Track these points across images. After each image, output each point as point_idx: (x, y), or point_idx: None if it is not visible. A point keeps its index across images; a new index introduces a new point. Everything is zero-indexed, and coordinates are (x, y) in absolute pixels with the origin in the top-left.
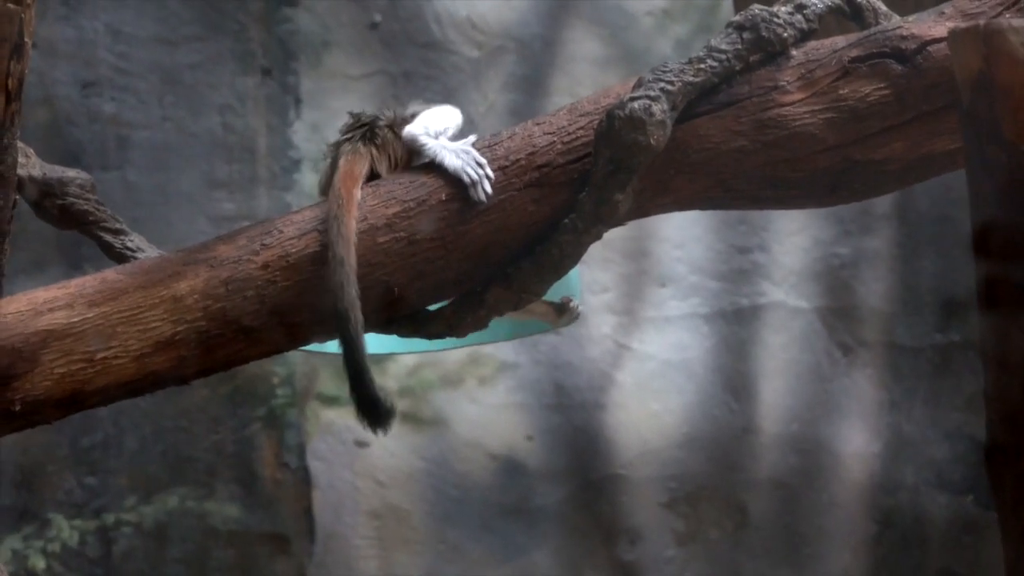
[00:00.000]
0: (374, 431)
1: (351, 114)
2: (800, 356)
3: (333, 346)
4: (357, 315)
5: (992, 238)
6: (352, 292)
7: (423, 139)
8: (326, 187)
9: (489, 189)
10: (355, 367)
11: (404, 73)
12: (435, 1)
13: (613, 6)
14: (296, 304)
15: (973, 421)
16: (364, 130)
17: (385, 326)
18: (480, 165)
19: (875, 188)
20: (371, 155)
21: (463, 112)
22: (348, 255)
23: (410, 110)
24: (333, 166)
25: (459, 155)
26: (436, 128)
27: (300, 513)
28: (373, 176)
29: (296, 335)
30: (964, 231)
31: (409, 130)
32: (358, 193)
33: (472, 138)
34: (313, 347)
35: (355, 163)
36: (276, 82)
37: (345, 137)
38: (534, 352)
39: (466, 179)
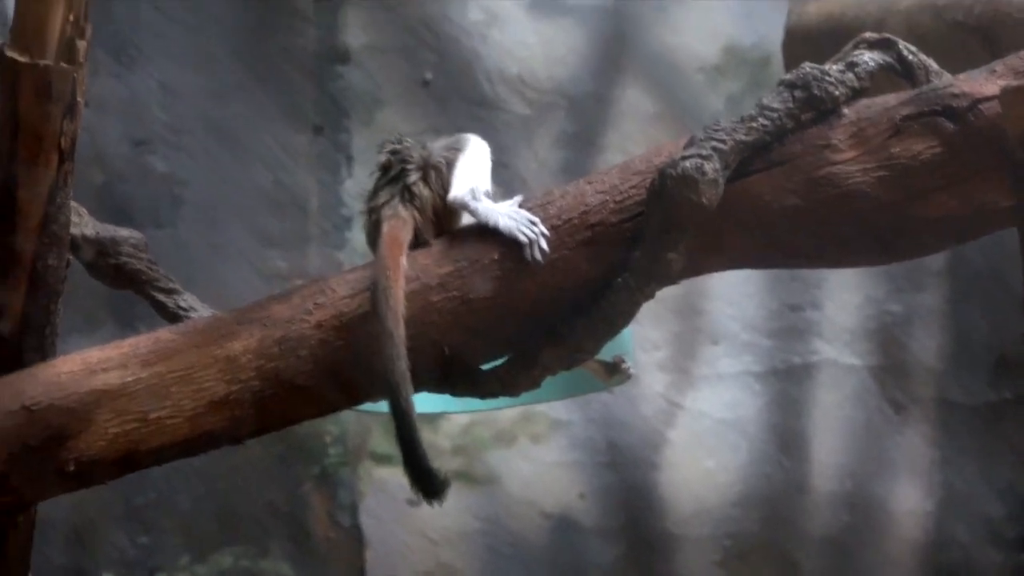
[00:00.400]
0: (428, 502)
1: (382, 155)
2: (852, 414)
3: (386, 405)
4: (408, 389)
5: None
6: (402, 366)
7: (473, 204)
8: (373, 241)
9: (546, 247)
10: (407, 440)
11: (455, 130)
12: (486, 58)
13: (665, 63)
14: (350, 363)
15: None
16: (400, 188)
17: (438, 385)
18: (533, 223)
19: (928, 246)
20: (413, 218)
21: (513, 169)
22: (397, 328)
23: (436, 152)
24: (376, 226)
25: (512, 216)
26: (481, 186)
27: (353, 572)
28: (417, 237)
29: (350, 394)
30: (1016, 288)
31: (456, 196)
32: (404, 261)
33: (519, 198)
34: (366, 406)
35: (399, 230)
36: (327, 139)
37: (383, 199)
38: (587, 410)
39: (523, 239)
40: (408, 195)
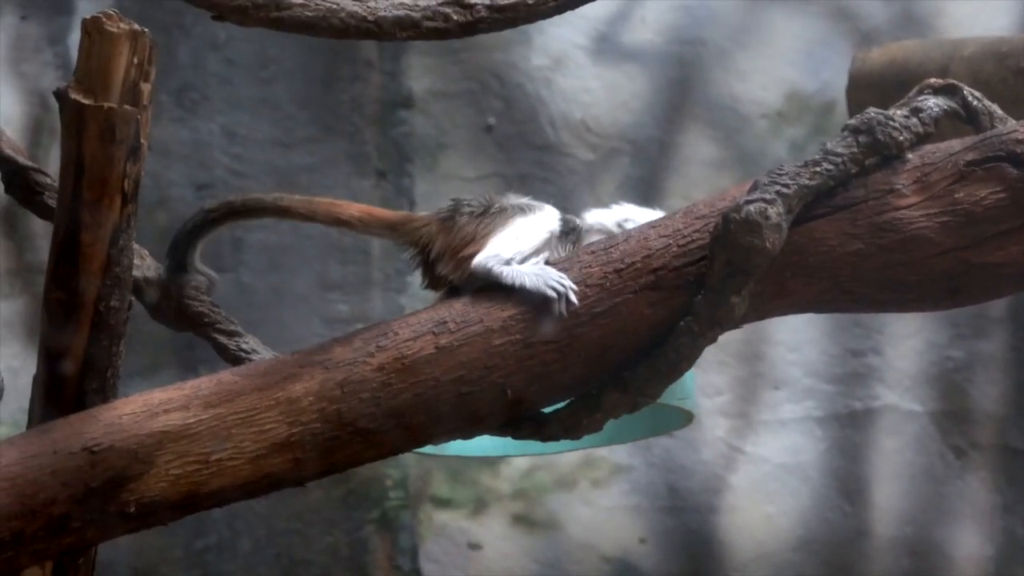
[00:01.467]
0: None
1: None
2: (914, 459)
3: (449, 448)
4: None
5: None
6: None
7: (496, 269)
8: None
9: (575, 300)
10: None
11: (519, 175)
12: (550, 104)
13: (727, 108)
14: (412, 406)
15: None
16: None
17: (500, 428)
18: (560, 279)
19: (992, 291)
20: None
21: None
22: None
23: (508, 210)
24: None
25: (537, 274)
26: (507, 253)
27: None
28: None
29: (413, 437)
30: None
31: (478, 260)
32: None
33: (544, 255)
34: (428, 449)
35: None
36: (391, 184)
37: None
38: (647, 455)
39: (550, 293)
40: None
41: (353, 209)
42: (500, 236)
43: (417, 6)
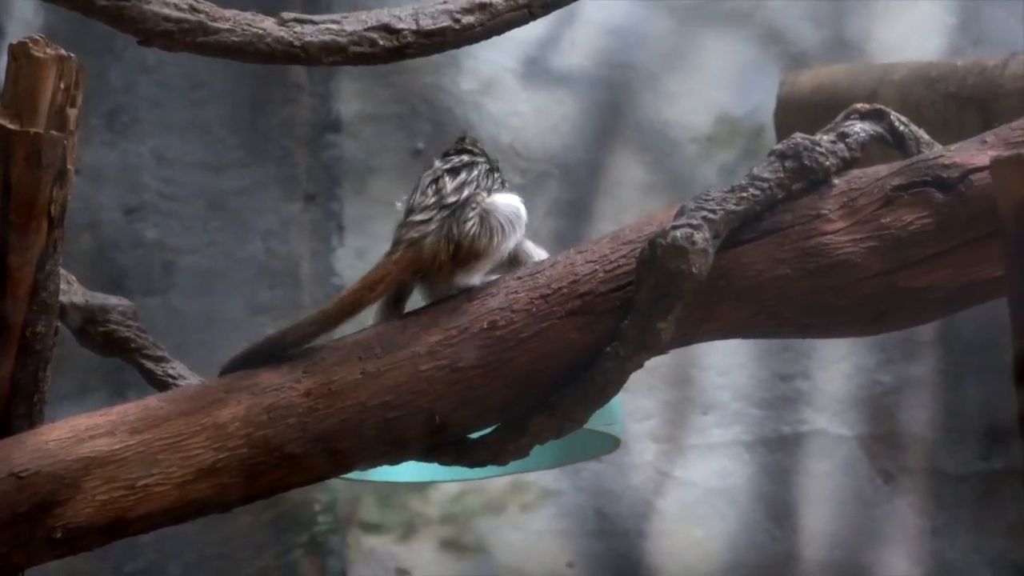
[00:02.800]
0: None
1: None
2: (843, 483)
3: (375, 473)
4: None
5: None
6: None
7: None
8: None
9: None
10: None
11: None
12: (479, 128)
13: (657, 132)
14: (339, 431)
15: (1017, 548)
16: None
17: (427, 454)
18: None
19: (919, 316)
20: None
21: None
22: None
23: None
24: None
25: None
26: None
27: None
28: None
29: (340, 462)
30: (1007, 358)
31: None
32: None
33: None
34: (356, 474)
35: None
36: (320, 208)
37: (420, 217)
38: (576, 479)
39: None
40: (451, 231)
41: (356, 294)
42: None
43: (343, 31)
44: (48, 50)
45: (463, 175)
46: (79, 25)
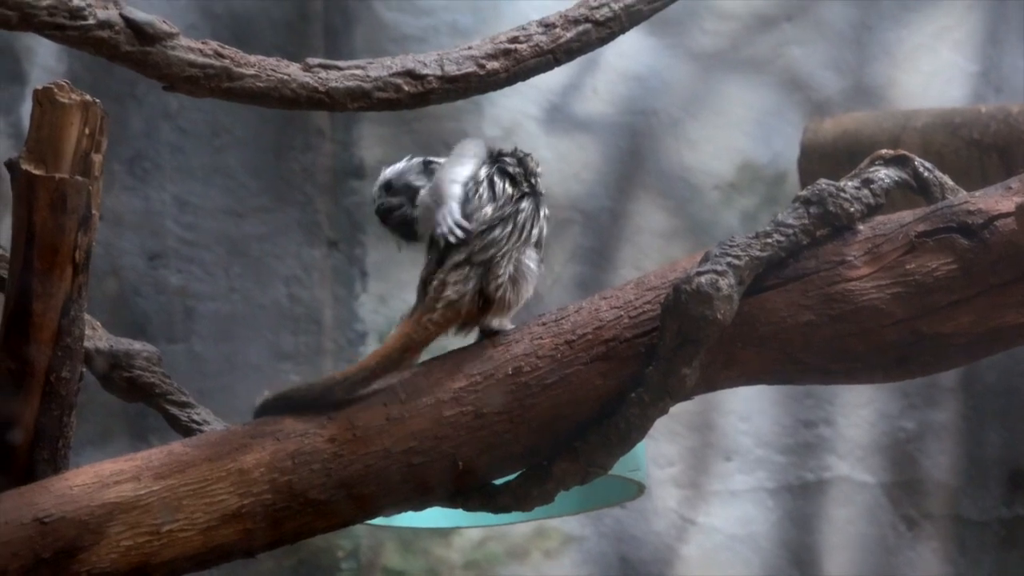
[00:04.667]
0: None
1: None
2: (866, 530)
3: (400, 519)
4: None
5: None
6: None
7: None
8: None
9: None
10: None
11: None
12: None
13: (679, 178)
14: (363, 477)
15: None
16: (481, 280)
17: (451, 500)
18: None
19: (943, 362)
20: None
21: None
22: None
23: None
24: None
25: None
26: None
27: None
28: None
29: (364, 508)
30: None
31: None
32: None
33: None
34: (379, 520)
35: (437, 330)
36: (342, 254)
37: (456, 273)
38: (599, 525)
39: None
40: (483, 286)
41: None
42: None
43: (368, 77)
44: (72, 95)
45: (505, 227)
46: (101, 71)
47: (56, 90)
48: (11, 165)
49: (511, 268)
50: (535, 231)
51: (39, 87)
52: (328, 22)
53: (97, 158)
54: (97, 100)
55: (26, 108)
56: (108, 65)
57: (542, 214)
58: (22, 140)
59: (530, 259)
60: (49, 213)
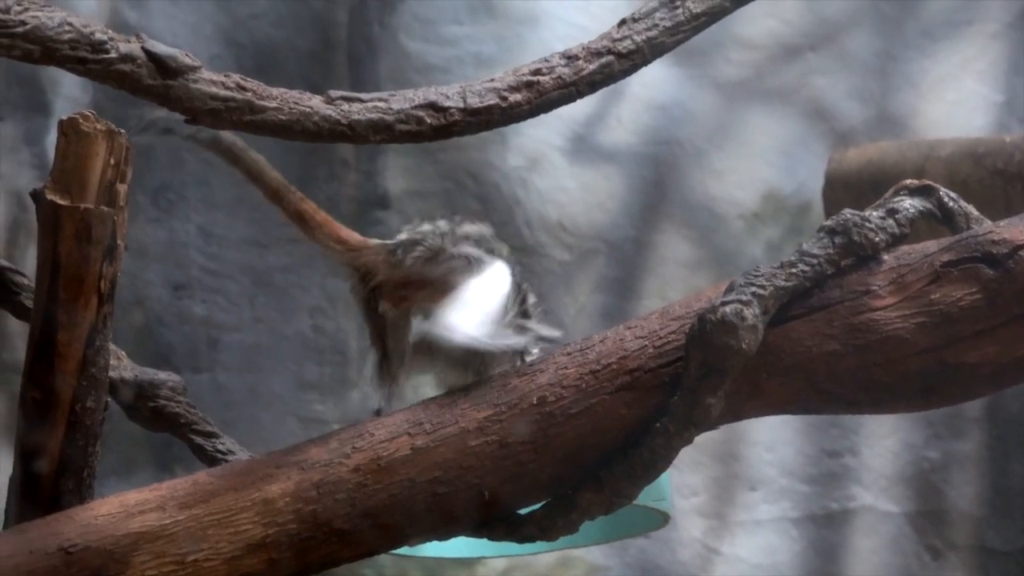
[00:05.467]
0: None
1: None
2: (891, 560)
3: (425, 549)
4: None
5: None
6: None
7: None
8: None
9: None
10: None
11: None
12: (526, 204)
13: (703, 208)
14: (388, 506)
15: None
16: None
17: (475, 530)
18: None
19: (968, 392)
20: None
21: (553, 315)
22: None
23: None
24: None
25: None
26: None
27: None
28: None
29: (389, 537)
30: None
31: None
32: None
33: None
34: (404, 550)
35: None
36: None
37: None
38: (624, 555)
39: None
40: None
41: (318, 213)
42: (455, 302)
43: (391, 109)
44: (98, 125)
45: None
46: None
47: (81, 120)
48: (36, 195)
49: None
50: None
51: (64, 117)
52: (352, 52)
53: (122, 188)
54: (122, 130)
55: (51, 139)
56: (132, 96)
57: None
58: (47, 171)
59: None
60: (74, 243)
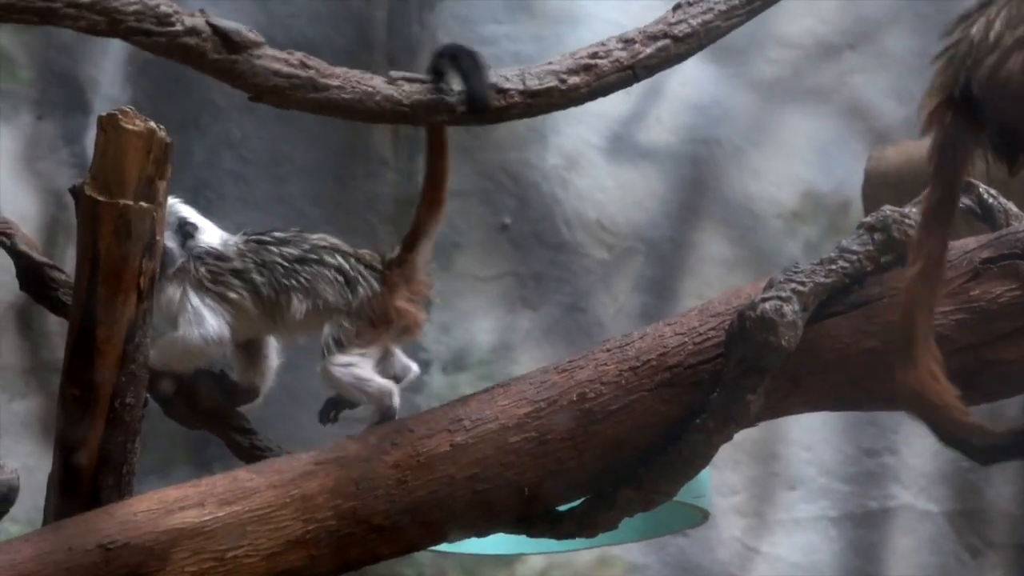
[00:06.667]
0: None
1: None
2: (929, 559)
3: (464, 545)
4: None
5: None
6: None
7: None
8: None
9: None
10: None
11: (533, 274)
12: (565, 203)
13: (742, 207)
14: (427, 503)
15: None
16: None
17: (515, 526)
18: None
19: (1008, 388)
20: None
21: (592, 314)
22: None
23: None
24: None
25: None
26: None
27: None
28: None
29: (428, 533)
30: None
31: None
32: None
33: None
34: (443, 546)
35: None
36: None
37: None
38: (662, 554)
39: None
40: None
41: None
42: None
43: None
44: (137, 122)
45: None
46: (164, 101)
47: (120, 117)
48: (75, 191)
49: None
50: None
51: (103, 114)
52: (391, 51)
53: (161, 184)
54: (161, 127)
55: (90, 138)
56: (170, 94)
57: None
58: (85, 170)
59: None
60: (113, 239)
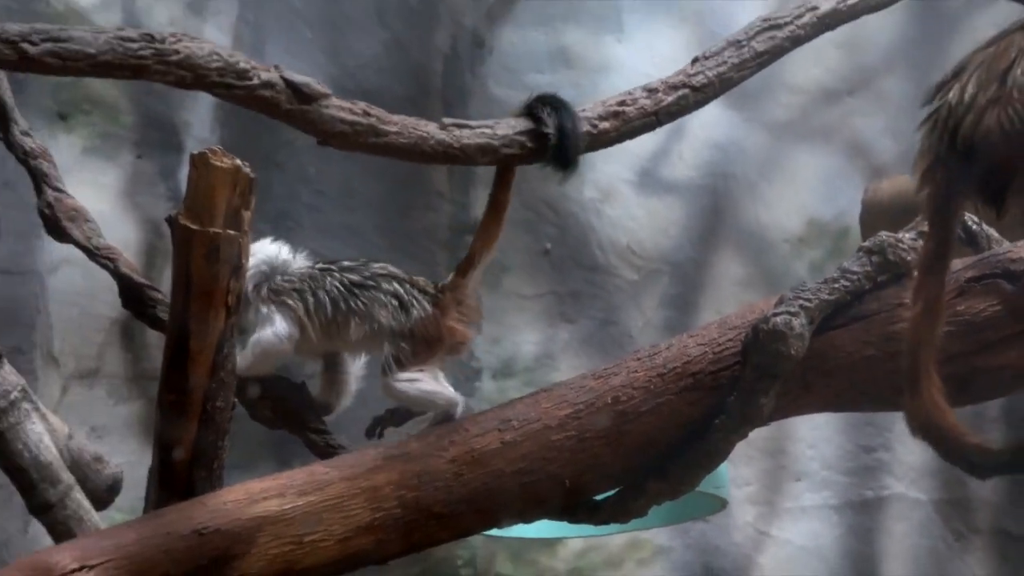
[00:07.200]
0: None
1: None
2: (919, 542)
3: (513, 530)
4: None
5: None
6: None
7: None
8: None
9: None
10: None
11: (571, 293)
12: (599, 230)
13: (755, 233)
14: (481, 493)
15: None
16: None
17: (559, 514)
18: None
19: (994, 391)
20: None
21: (623, 327)
22: None
23: None
24: None
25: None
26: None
27: None
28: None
29: (482, 520)
30: None
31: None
32: None
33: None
34: (494, 531)
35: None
36: None
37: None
38: (686, 537)
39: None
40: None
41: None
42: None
43: (496, 135)
44: (225, 160)
45: None
46: (248, 141)
47: (210, 155)
48: (171, 221)
49: None
50: None
51: (195, 152)
52: (446, 97)
53: (246, 214)
54: (246, 164)
55: (183, 174)
56: (254, 135)
57: None
58: (180, 202)
59: None
60: (204, 263)
